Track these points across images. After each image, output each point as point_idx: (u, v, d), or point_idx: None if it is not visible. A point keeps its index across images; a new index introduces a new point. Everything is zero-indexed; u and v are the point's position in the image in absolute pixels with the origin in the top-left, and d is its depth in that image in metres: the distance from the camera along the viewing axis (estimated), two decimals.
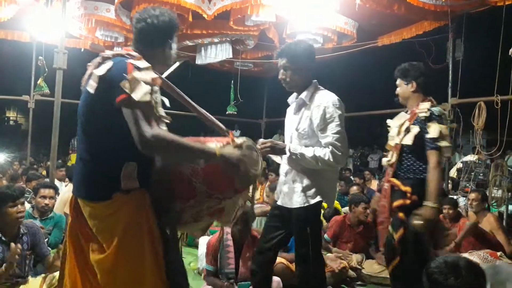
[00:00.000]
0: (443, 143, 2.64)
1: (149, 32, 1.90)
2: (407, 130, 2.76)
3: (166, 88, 2.01)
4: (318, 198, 2.55)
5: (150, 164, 1.86)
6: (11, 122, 25.60)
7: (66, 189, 5.19)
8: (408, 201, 2.67)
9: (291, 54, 2.56)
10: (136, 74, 1.70)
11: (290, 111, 2.77)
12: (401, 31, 7.35)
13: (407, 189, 2.69)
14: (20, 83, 8.94)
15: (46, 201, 3.84)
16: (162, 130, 1.76)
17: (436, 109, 2.73)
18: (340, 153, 2.44)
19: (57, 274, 2.86)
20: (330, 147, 2.44)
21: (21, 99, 8.03)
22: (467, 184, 6.13)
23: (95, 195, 1.78)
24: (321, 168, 2.49)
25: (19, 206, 2.89)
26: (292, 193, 2.60)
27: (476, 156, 6.34)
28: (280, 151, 2.58)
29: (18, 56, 9.48)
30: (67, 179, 6.18)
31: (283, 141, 2.71)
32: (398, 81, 2.93)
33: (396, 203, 2.72)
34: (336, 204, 5.77)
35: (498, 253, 3.75)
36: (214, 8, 6.44)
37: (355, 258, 4.31)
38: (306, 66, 2.58)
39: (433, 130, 2.65)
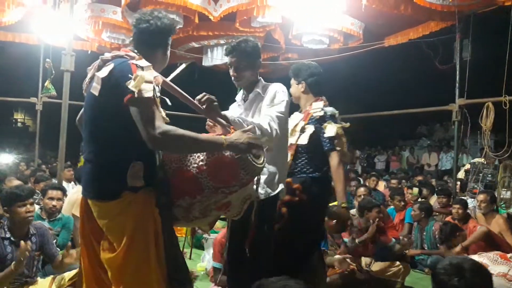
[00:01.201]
0: (338, 149, 2.66)
1: (151, 33, 1.94)
2: (302, 130, 2.77)
3: (165, 87, 2.05)
4: (281, 186, 2.46)
5: (156, 163, 1.88)
6: (19, 124, 25.73)
7: (73, 191, 5.20)
8: (296, 198, 2.64)
9: (242, 51, 2.51)
10: (140, 73, 1.73)
11: (238, 109, 2.65)
12: (408, 31, 7.31)
13: (297, 186, 2.67)
14: (28, 85, 8.98)
15: (54, 202, 3.87)
16: (169, 126, 1.78)
17: (329, 109, 2.76)
18: (275, 128, 2.31)
19: (66, 274, 2.89)
20: (269, 117, 2.35)
21: (28, 101, 8.08)
22: (475, 186, 6.08)
23: (104, 194, 1.81)
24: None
25: (28, 206, 2.90)
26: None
27: (483, 159, 6.28)
28: (221, 115, 2.23)
29: (26, 58, 9.53)
30: (72, 181, 6.21)
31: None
32: (291, 81, 2.96)
33: (284, 198, 2.62)
34: None
35: (508, 255, 3.70)
36: (220, 9, 6.45)
37: (364, 260, 4.29)
38: (256, 62, 2.57)
39: (330, 129, 2.67)
